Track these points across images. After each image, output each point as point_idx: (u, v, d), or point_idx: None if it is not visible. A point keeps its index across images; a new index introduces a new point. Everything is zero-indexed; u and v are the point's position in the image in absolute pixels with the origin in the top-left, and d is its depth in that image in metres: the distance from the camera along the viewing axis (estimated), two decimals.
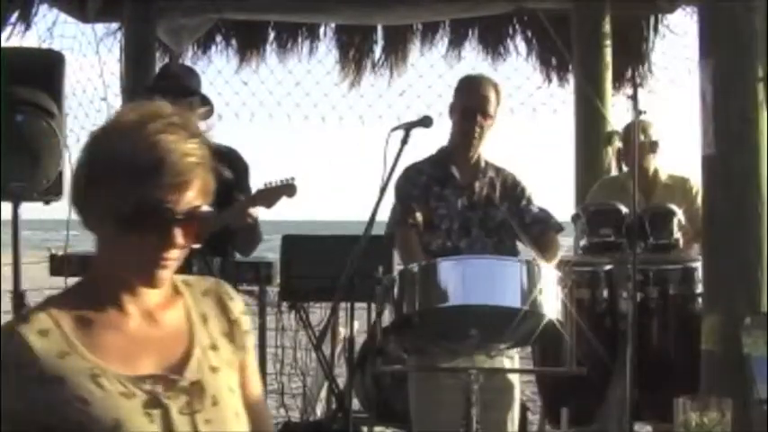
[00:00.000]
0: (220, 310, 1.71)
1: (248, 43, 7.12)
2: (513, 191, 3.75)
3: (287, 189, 3.95)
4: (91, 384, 1.51)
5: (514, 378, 3.58)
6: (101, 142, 1.57)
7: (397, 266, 3.70)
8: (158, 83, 4.03)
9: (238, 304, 1.74)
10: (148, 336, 1.60)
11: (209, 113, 4.01)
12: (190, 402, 1.56)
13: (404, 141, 3.33)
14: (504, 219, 3.66)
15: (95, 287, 1.60)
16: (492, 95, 3.68)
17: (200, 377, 1.59)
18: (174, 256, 1.56)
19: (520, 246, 3.72)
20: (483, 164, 3.75)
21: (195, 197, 1.55)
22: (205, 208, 1.57)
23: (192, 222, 1.55)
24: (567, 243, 4.30)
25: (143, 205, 1.50)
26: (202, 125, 1.72)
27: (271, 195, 3.94)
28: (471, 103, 3.68)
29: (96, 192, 1.54)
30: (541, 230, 3.70)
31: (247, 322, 1.75)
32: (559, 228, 3.79)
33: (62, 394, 1.50)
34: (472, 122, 3.66)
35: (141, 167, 1.50)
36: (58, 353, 1.52)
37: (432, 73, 7.26)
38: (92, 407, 1.49)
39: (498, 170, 3.77)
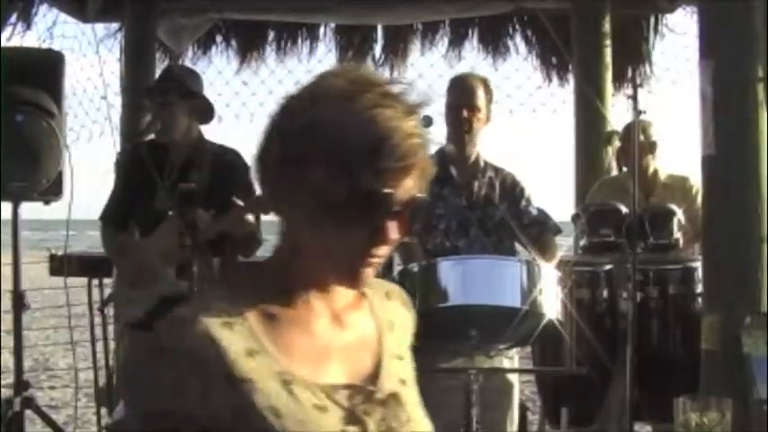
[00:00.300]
0: (405, 318, 1.50)
1: (248, 43, 7.11)
2: (512, 191, 3.75)
3: None
4: (283, 391, 1.26)
5: (514, 378, 3.58)
6: (299, 112, 1.28)
7: (398, 266, 3.70)
8: (161, 84, 4.02)
9: (413, 313, 1.54)
10: (334, 339, 1.36)
11: (210, 116, 3.99)
12: (385, 418, 1.33)
13: None
14: (502, 218, 3.67)
15: (281, 278, 1.34)
16: (478, 89, 3.69)
17: (396, 390, 1.37)
18: (384, 252, 1.30)
19: (518, 246, 3.72)
20: (482, 164, 3.75)
21: (414, 185, 1.28)
22: (421, 196, 1.29)
23: (407, 214, 1.29)
24: (567, 243, 4.30)
25: (355, 193, 1.23)
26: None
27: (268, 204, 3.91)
28: (457, 98, 3.69)
29: (292, 172, 1.28)
30: (539, 232, 3.70)
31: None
32: (557, 230, 3.80)
33: (251, 400, 1.24)
34: (459, 117, 3.66)
35: (355, 148, 1.23)
36: (246, 350, 1.26)
37: (432, 73, 7.24)
38: (284, 419, 1.24)
39: (497, 170, 3.77)
